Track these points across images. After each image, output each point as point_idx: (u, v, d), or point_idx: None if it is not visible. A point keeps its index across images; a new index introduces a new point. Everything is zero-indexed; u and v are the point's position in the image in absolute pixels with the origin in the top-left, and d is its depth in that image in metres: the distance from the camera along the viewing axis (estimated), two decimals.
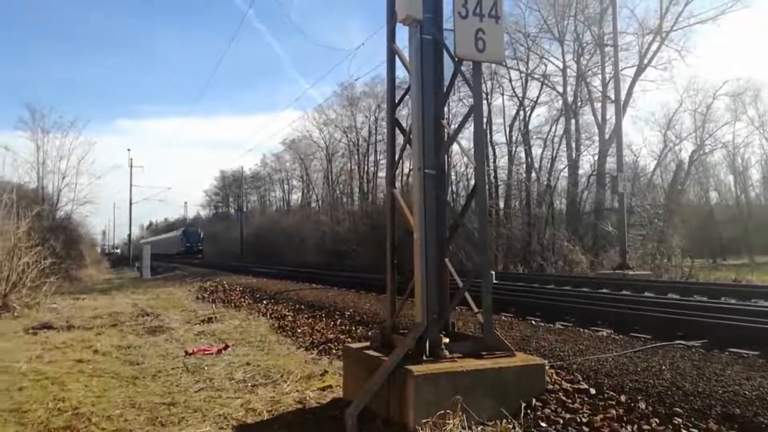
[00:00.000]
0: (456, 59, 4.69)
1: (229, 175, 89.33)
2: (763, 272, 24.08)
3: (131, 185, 56.83)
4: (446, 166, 5.88)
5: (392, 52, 5.07)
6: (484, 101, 32.01)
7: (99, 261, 51.61)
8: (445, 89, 4.91)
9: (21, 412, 5.02)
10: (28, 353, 7.76)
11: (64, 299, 15.91)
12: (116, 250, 71.28)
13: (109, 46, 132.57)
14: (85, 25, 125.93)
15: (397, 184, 45.46)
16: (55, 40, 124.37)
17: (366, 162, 52.78)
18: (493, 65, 25.13)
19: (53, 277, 15.77)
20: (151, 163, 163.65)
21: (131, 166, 56.55)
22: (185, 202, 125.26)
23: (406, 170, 29.45)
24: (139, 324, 10.69)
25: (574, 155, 31.75)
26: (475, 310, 4.92)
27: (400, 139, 5.42)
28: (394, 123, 5.15)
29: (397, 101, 5.24)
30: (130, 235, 60.07)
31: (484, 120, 30.39)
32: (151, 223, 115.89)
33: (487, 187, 4.67)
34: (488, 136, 32.45)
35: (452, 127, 5.01)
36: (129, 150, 76.17)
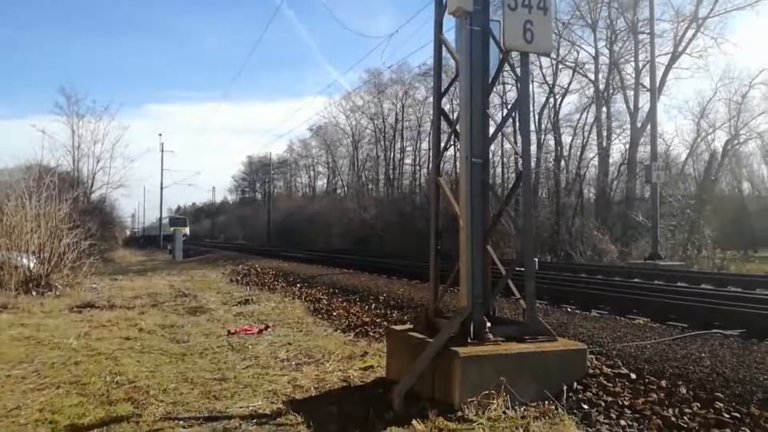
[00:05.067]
0: (504, 50, 4.79)
1: (256, 161, 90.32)
2: None
3: (162, 169, 57.71)
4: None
5: (440, 43, 5.18)
6: (514, 88, 31.79)
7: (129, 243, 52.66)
8: (490, 80, 5.01)
9: (81, 384, 5.28)
10: (76, 330, 8.07)
11: (102, 280, 16.40)
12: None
13: (141, 32, 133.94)
14: (118, 11, 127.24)
15: (424, 171, 45.44)
16: (89, 26, 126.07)
17: (392, 148, 52.95)
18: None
19: (91, 258, 16.25)
20: (181, 148, 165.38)
21: (162, 151, 57.34)
22: (213, 187, 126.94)
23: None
24: (179, 304, 11.02)
25: (604, 143, 31.45)
26: (518, 295, 5.05)
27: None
28: (440, 112, 5.26)
29: (443, 90, 5.36)
30: (161, 219, 61.06)
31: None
32: (179, 207, 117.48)
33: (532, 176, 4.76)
34: (518, 124, 32.30)
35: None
36: (160, 135, 77.25)
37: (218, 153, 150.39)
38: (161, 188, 58.27)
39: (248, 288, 14.17)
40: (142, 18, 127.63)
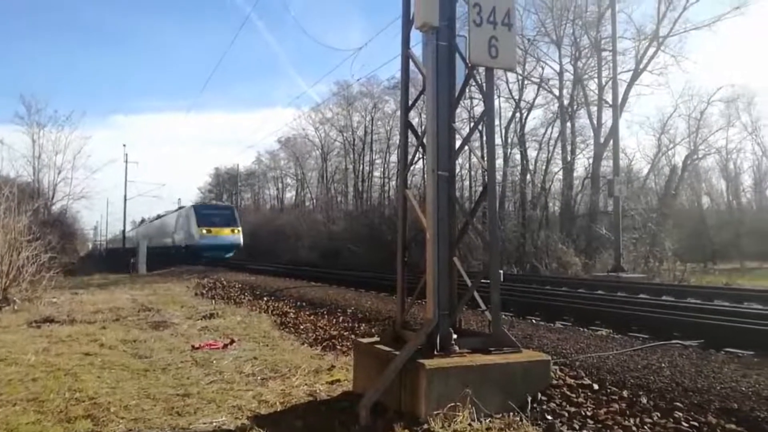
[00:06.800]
0: (469, 65, 4.87)
1: (223, 173, 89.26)
2: (753, 277, 24.46)
3: (126, 181, 56.45)
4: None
5: (407, 57, 5.24)
6: (481, 103, 32.22)
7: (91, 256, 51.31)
8: (456, 94, 5.08)
9: (39, 401, 5.13)
10: (34, 346, 7.85)
11: (62, 293, 15.98)
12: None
13: (105, 41, 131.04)
14: (81, 19, 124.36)
15: (392, 184, 45.61)
16: (51, 33, 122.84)
17: (361, 161, 53.03)
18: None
19: (52, 271, 15.84)
20: (146, 159, 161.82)
21: (126, 162, 56.16)
22: (179, 199, 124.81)
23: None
24: (142, 319, 10.80)
25: (569, 158, 32.02)
26: (483, 307, 5.09)
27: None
28: (407, 125, 5.32)
29: (410, 104, 5.41)
30: (124, 231, 59.72)
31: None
32: (143, 219, 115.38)
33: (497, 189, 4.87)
34: (485, 138, 32.68)
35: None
36: (124, 145, 75.89)
37: (184, 164, 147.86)
38: (125, 200, 57.03)
39: (214, 302, 13.96)
40: (106, 26, 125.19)
